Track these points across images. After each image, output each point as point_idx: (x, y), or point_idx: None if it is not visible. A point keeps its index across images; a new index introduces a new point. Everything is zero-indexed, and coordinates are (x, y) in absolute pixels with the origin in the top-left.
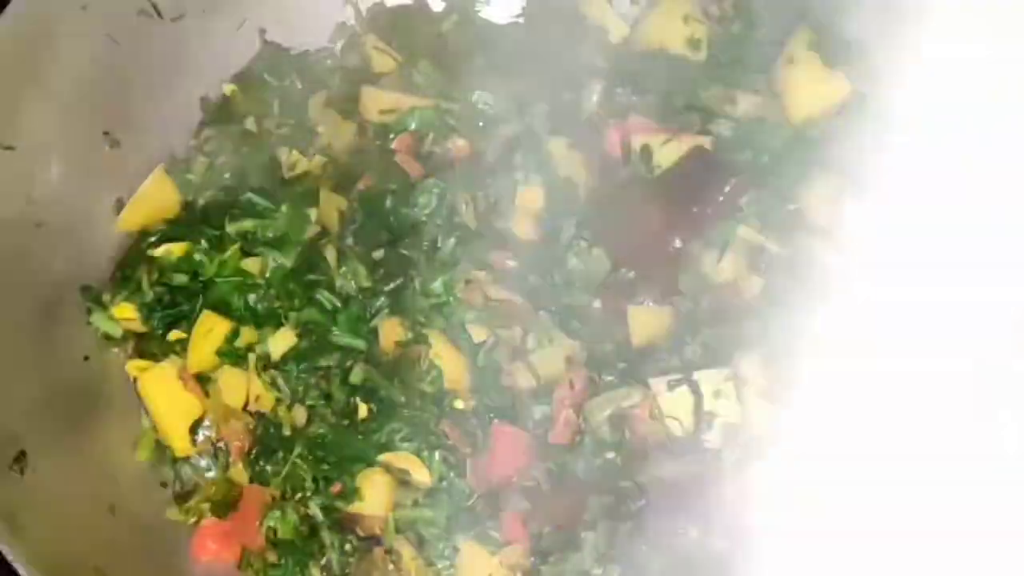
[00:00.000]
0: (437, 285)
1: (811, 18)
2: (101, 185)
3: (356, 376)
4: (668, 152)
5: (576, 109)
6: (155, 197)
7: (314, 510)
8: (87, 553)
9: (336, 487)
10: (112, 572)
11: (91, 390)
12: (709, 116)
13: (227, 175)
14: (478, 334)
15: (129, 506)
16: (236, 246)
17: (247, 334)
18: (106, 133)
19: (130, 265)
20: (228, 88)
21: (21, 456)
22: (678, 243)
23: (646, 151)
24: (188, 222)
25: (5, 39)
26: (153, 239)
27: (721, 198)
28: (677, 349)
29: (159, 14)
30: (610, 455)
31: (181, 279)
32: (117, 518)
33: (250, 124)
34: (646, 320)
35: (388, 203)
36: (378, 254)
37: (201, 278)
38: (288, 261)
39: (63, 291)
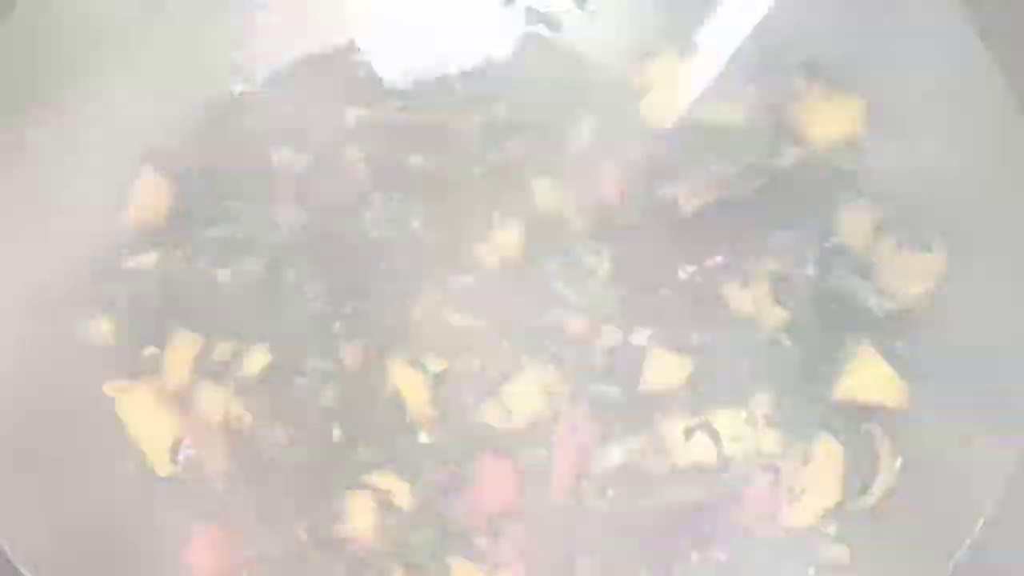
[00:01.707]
0: (393, 308)
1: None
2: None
3: (326, 399)
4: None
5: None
6: (140, 203)
7: (299, 532)
8: (81, 557)
9: (320, 509)
10: None
11: (79, 397)
12: None
13: (211, 180)
14: (435, 363)
15: (123, 511)
16: (210, 257)
17: (222, 349)
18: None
19: (105, 278)
20: (226, 90)
21: (20, 458)
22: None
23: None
24: (164, 231)
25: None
26: (127, 251)
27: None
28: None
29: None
30: (611, 493)
31: (154, 291)
32: (113, 523)
33: (238, 129)
34: (663, 367)
35: (342, 219)
36: (337, 273)
37: (174, 291)
38: (262, 272)
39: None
